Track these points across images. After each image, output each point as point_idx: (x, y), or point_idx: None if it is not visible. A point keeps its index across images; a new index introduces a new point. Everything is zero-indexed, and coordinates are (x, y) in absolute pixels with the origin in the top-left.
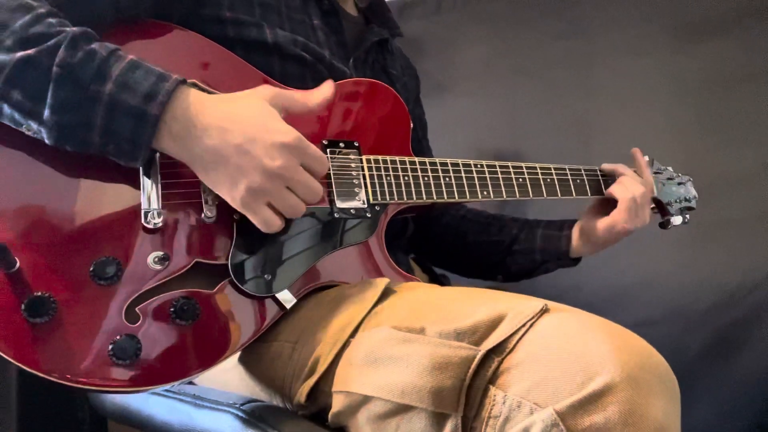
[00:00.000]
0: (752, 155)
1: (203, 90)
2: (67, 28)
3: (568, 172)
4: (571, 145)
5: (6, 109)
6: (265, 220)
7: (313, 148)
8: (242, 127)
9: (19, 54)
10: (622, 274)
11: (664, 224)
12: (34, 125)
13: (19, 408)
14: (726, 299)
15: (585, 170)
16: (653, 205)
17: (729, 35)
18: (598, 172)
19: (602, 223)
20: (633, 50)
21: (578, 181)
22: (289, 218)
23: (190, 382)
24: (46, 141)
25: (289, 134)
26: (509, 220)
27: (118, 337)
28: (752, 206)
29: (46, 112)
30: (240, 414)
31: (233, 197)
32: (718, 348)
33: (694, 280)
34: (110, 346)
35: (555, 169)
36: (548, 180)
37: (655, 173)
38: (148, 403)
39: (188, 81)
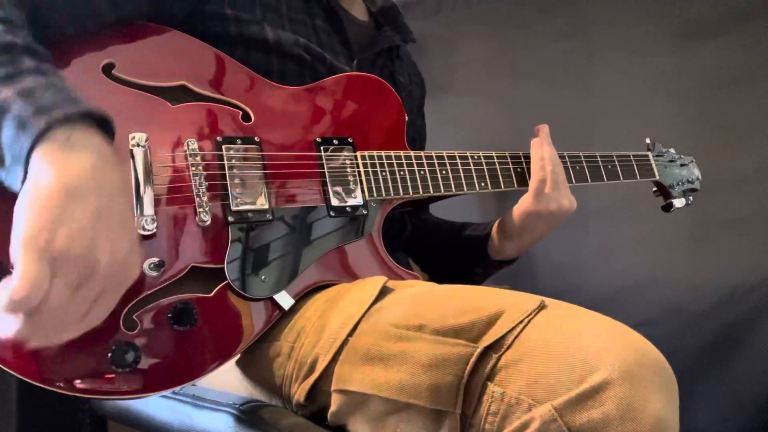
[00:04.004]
0: (752, 155)
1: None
2: (9, 36)
3: (567, 159)
4: (572, 145)
5: None
6: (33, 280)
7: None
8: (110, 206)
9: None
10: (622, 274)
11: (667, 207)
12: None
13: (19, 408)
14: (726, 299)
15: (584, 156)
16: (655, 189)
17: (729, 35)
18: (598, 158)
19: (515, 211)
20: (633, 50)
21: (577, 167)
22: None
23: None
24: None
25: (135, 265)
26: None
27: (116, 345)
28: (752, 206)
29: None
30: (239, 414)
31: (21, 237)
32: (718, 348)
33: (694, 280)
34: (109, 354)
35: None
36: None
37: (657, 156)
38: (148, 403)
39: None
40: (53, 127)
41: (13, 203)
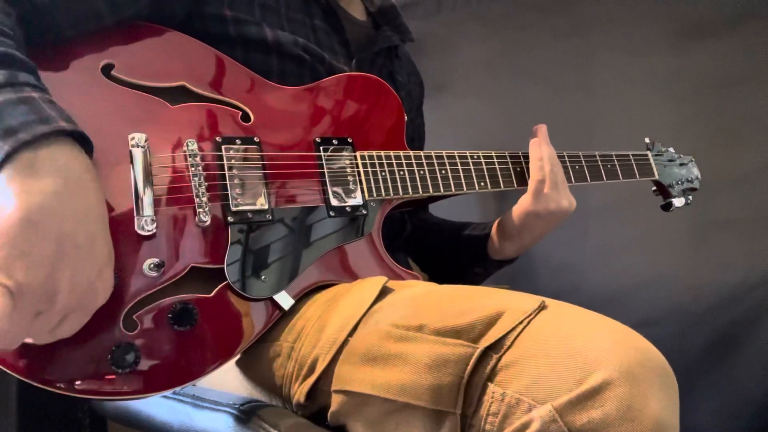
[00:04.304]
0: (752, 155)
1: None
2: None
3: (566, 158)
4: (571, 144)
5: None
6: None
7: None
8: (88, 228)
9: None
10: (622, 274)
11: (666, 206)
12: None
13: (19, 408)
14: (726, 299)
15: (584, 156)
16: (654, 188)
17: (729, 35)
18: (597, 158)
19: (514, 211)
20: (633, 50)
21: (576, 167)
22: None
23: None
24: None
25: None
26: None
27: (116, 346)
28: (752, 206)
29: None
30: (239, 414)
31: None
32: (718, 348)
33: (694, 280)
34: (109, 355)
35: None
36: None
37: (656, 155)
38: (148, 403)
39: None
40: (18, 151)
41: None
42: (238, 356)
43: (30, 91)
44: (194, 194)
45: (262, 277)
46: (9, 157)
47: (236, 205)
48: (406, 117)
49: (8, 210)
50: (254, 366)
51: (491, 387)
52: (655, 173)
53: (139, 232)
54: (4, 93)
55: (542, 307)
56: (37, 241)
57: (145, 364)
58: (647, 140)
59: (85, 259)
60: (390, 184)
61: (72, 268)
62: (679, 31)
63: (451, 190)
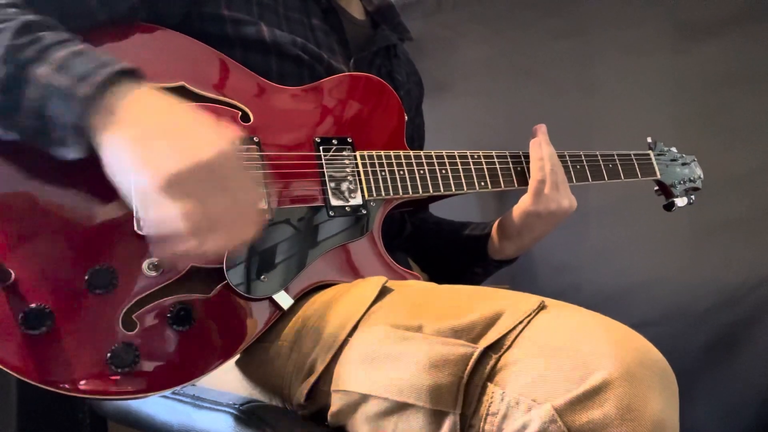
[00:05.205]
0: (752, 155)
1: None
2: (21, 16)
3: (568, 158)
4: (572, 144)
5: None
6: (182, 214)
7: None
8: (186, 119)
9: None
10: (622, 274)
11: (668, 206)
12: None
13: (19, 408)
14: (726, 299)
15: (585, 155)
16: (657, 188)
17: (729, 35)
18: (599, 157)
19: (514, 211)
20: (633, 50)
21: (578, 167)
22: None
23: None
24: None
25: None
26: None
27: (115, 346)
28: (752, 206)
29: None
30: (239, 414)
31: (161, 176)
32: (718, 348)
33: (694, 280)
34: (108, 355)
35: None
36: None
37: (658, 155)
38: (148, 403)
39: (139, 73)
40: (107, 87)
41: None
42: (237, 356)
43: (76, 45)
44: None
45: (262, 277)
46: (102, 92)
47: None
48: (405, 116)
49: (135, 130)
50: (254, 366)
51: (491, 387)
52: (657, 173)
53: (139, 231)
54: (62, 48)
55: (542, 307)
56: (173, 138)
57: (144, 364)
58: (649, 140)
59: (206, 127)
60: (390, 184)
61: (207, 134)
62: (679, 31)
63: (451, 190)
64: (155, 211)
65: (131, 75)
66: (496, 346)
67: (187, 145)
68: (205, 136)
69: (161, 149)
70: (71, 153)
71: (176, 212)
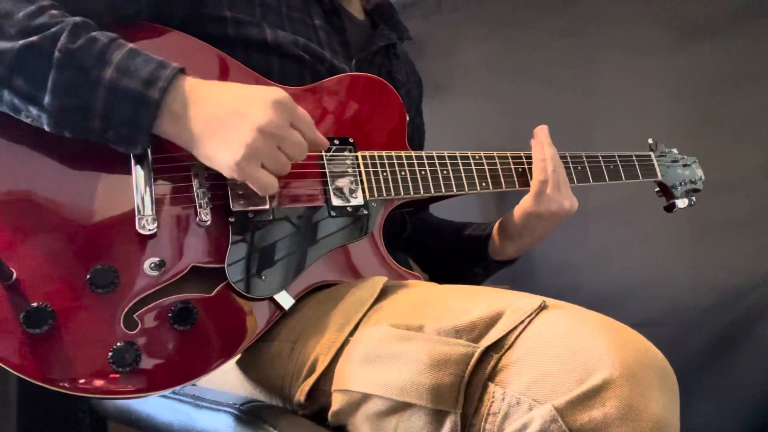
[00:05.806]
0: (753, 155)
1: None
2: (68, 18)
3: (569, 159)
4: (572, 145)
5: (6, 95)
6: (264, 184)
7: (300, 108)
8: (236, 91)
9: (22, 41)
10: (622, 274)
11: (669, 208)
12: (33, 111)
13: (19, 408)
14: (726, 299)
15: (586, 156)
16: (658, 189)
17: (729, 35)
18: (600, 158)
19: (516, 211)
20: (633, 50)
21: (579, 168)
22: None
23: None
24: (45, 127)
25: (279, 92)
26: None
27: (117, 345)
28: (752, 206)
29: (47, 98)
30: (239, 414)
31: (230, 166)
32: (718, 348)
33: (694, 280)
34: (110, 354)
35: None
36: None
37: (659, 156)
38: (148, 403)
39: (184, 69)
40: (169, 90)
41: None
42: (238, 356)
43: (125, 43)
44: (195, 194)
45: (263, 277)
46: (168, 88)
47: (237, 205)
48: (407, 117)
49: (212, 108)
50: (255, 366)
51: (492, 387)
52: (658, 174)
53: (141, 231)
54: (117, 48)
55: (543, 307)
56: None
57: (145, 363)
58: (650, 141)
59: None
60: (391, 185)
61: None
62: (680, 30)
63: (452, 191)
64: (251, 182)
65: (182, 72)
66: (497, 346)
67: (244, 121)
68: (257, 103)
69: (228, 129)
70: (138, 149)
71: (261, 176)
